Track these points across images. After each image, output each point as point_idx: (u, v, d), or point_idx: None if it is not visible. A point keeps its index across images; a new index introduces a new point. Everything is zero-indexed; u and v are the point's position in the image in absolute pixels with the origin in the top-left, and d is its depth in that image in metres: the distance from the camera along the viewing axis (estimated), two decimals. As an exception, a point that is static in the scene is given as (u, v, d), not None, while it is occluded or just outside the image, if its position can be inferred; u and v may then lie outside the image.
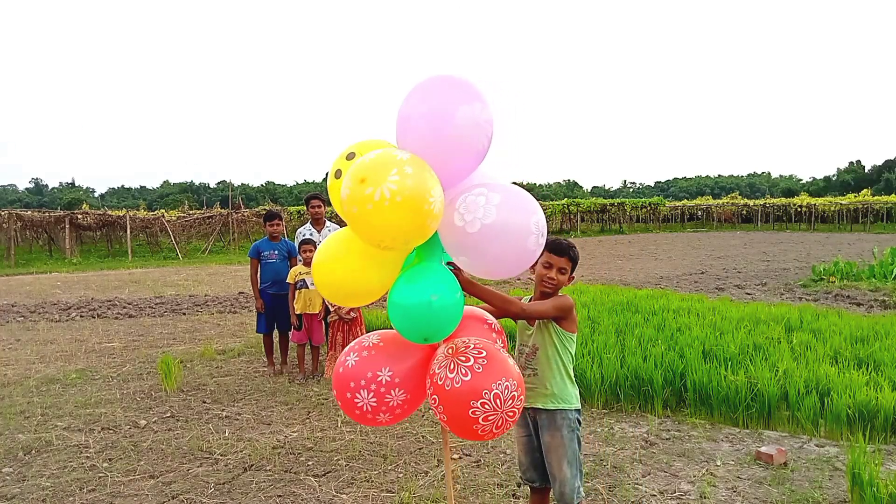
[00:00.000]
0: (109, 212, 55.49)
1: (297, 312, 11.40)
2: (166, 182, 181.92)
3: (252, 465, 7.71)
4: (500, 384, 4.31)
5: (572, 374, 5.41)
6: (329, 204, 12.44)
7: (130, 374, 11.92)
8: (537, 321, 5.37)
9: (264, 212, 11.50)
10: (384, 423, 4.86)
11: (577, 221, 73.44)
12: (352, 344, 4.97)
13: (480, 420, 4.28)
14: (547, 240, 4.76)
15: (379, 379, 4.63)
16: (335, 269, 4.79)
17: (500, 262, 4.51)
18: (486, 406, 4.25)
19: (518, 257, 4.53)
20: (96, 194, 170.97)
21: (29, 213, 49.48)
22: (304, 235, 12.07)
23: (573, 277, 5.39)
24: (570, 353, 5.36)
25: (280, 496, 6.90)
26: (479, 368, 4.34)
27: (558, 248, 5.27)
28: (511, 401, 4.35)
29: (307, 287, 11.35)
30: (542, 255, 5.13)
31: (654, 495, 6.73)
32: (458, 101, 4.44)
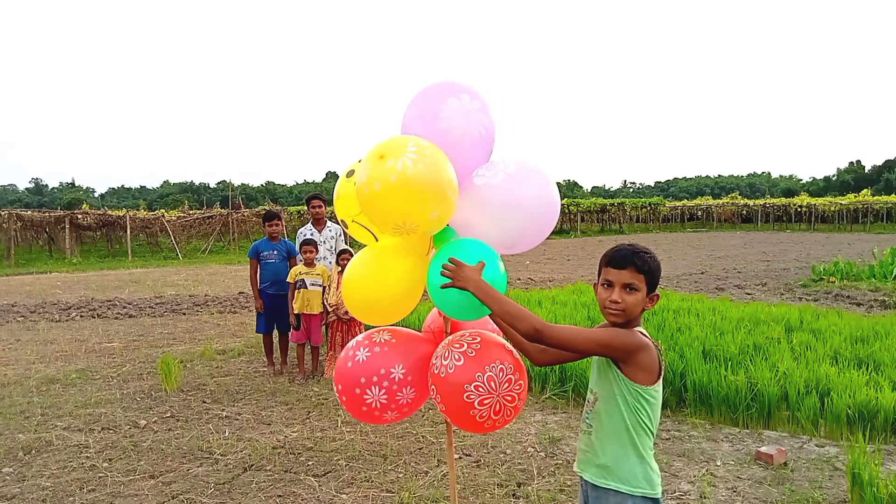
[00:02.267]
0: (109, 212, 55.47)
1: (296, 312, 11.39)
2: (166, 182, 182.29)
3: (252, 465, 7.71)
4: (494, 366, 4.30)
5: (644, 446, 3.70)
6: (330, 204, 12.41)
7: (130, 374, 11.91)
8: (596, 359, 3.89)
9: (264, 212, 11.54)
10: (388, 421, 4.85)
11: (577, 221, 73.51)
12: (359, 338, 4.93)
13: (476, 405, 4.26)
14: (606, 252, 3.86)
15: (392, 376, 4.61)
16: (365, 286, 4.82)
17: (528, 208, 4.50)
18: (481, 389, 4.24)
19: (545, 206, 4.53)
20: (96, 194, 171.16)
21: (29, 213, 49.50)
22: (304, 236, 12.08)
23: (656, 296, 3.81)
24: (646, 414, 3.67)
25: (280, 496, 6.90)
26: (471, 353, 4.34)
27: (617, 259, 3.73)
28: (508, 384, 4.33)
29: (306, 287, 11.35)
30: (599, 273, 3.86)
31: (654, 495, 6.72)
32: (445, 96, 4.48)
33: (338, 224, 12.64)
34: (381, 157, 4.08)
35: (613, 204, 79.96)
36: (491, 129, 4.62)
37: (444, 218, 4.40)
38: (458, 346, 4.43)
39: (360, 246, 4.96)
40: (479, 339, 4.48)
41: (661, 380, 3.71)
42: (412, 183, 4.01)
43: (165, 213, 55.09)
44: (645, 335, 3.70)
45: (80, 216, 48.73)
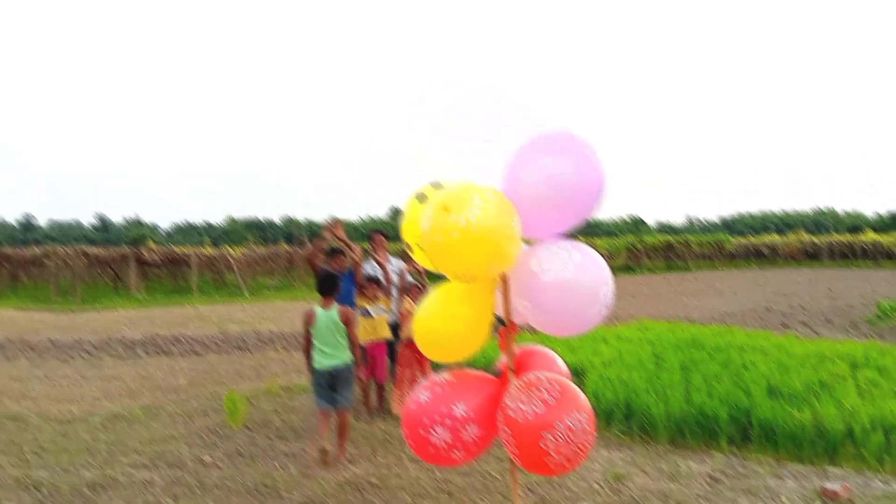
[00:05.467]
0: (175, 248, 55.91)
1: (362, 344, 11.39)
2: (230, 218, 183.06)
3: (317, 502, 7.74)
4: (572, 416, 4.33)
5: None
6: (391, 239, 12.34)
7: (195, 411, 11.99)
8: None
9: (329, 249, 11.63)
10: (458, 462, 4.86)
11: (642, 259, 73.08)
12: (421, 382, 5.00)
13: (552, 452, 4.29)
14: None
15: (454, 414, 4.64)
16: (433, 321, 4.88)
17: (560, 319, 4.58)
18: (559, 438, 4.27)
19: (578, 320, 4.59)
20: (161, 230, 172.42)
21: (95, 249, 50.01)
22: (367, 272, 12.07)
23: None
24: None
25: (345, 532, 6.92)
26: (552, 401, 4.36)
27: None
28: (583, 434, 4.36)
29: (371, 316, 11.37)
30: None
31: (719, 532, 6.69)
32: (542, 150, 4.53)
33: (399, 260, 12.63)
34: (445, 209, 4.12)
35: (679, 241, 79.39)
36: (586, 189, 4.62)
37: (503, 269, 4.45)
38: (537, 391, 4.45)
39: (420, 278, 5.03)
40: (558, 386, 4.51)
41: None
42: (473, 241, 4.08)
43: (230, 250, 55.42)
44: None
45: (145, 253, 49.15)
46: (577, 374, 11.90)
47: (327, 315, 9.33)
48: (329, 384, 9.40)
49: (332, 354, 9.35)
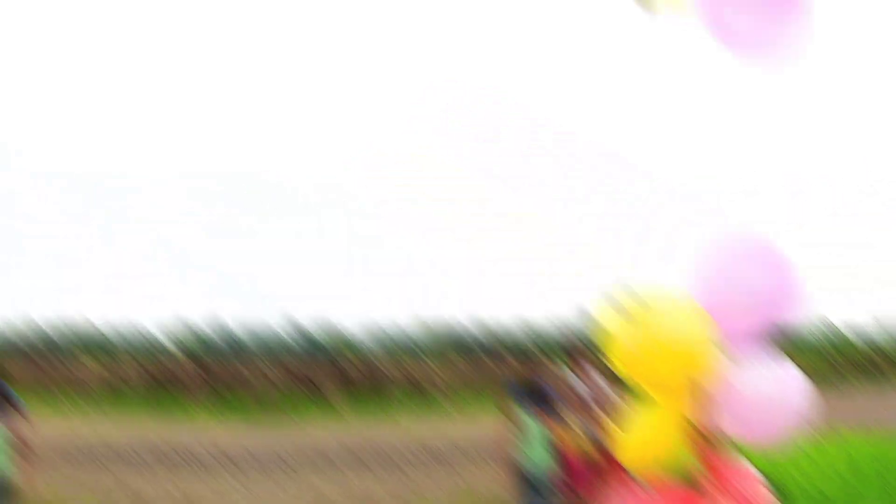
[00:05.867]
0: (375, 362, 56.00)
1: (564, 455, 11.39)
2: (420, 320, 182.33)
3: None
4: None
5: None
6: (591, 351, 12.37)
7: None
8: None
9: (527, 362, 11.83)
10: None
11: (841, 370, 69.85)
12: (621, 495, 5.06)
13: None
14: None
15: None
16: (634, 436, 4.99)
17: (756, 431, 4.61)
18: None
19: (775, 433, 4.62)
20: (354, 338, 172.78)
21: (295, 363, 50.30)
22: (568, 385, 12.09)
23: None
24: None
25: None
26: None
27: None
28: None
29: (572, 429, 11.33)
30: None
31: None
32: (738, 259, 4.64)
33: (598, 372, 12.55)
34: (633, 318, 4.23)
35: (877, 353, 75.74)
36: (780, 297, 4.71)
37: (700, 379, 4.53)
38: None
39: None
40: (759, 499, 4.55)
41: None
42: (669, 352, 4.17)
43: (429, 363, 55.20)
44: None
45: (347, 368, 49.34)
46: (775, 486, 11.78)
47: (534, 425, 10.02)
48: (534, 490, 9.94)
49: (536, 462, 9.93)
